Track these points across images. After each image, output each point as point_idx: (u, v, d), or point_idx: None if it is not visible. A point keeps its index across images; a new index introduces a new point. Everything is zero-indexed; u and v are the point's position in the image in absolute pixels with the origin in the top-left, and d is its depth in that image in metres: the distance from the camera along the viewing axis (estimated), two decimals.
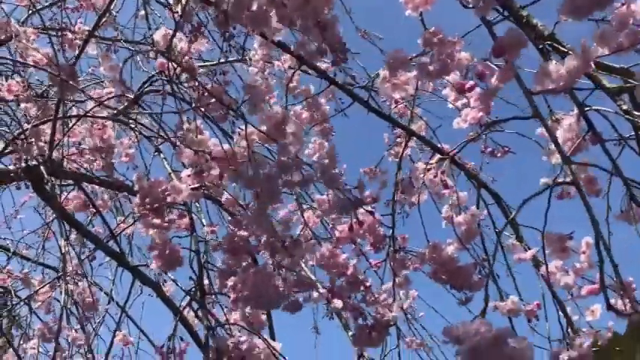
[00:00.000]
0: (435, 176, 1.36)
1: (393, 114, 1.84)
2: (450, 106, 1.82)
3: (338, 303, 1.36)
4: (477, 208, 1.57)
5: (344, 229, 1.55)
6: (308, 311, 2.38)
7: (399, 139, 1.86)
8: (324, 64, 1.65)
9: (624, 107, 1.10)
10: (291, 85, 1.89)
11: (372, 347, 1.57)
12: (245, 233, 1.14)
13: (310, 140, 2.07)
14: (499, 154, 1.73)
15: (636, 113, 1.08)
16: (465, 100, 1.78)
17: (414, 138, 1.73)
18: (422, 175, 1.79)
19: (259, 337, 1.53)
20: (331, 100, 1.96)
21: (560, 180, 1.35)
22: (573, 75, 0.87)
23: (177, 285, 1.58)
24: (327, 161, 1.10)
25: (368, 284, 1.49)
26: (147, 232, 1.28)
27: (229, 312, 1.68)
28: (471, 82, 1.18)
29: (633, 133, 1.15)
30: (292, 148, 1.06)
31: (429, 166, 1.37)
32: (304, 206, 1.88)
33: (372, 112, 1.57)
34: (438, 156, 1.43)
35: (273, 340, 2.07)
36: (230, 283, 1.04)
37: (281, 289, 1.08)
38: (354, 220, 1.29)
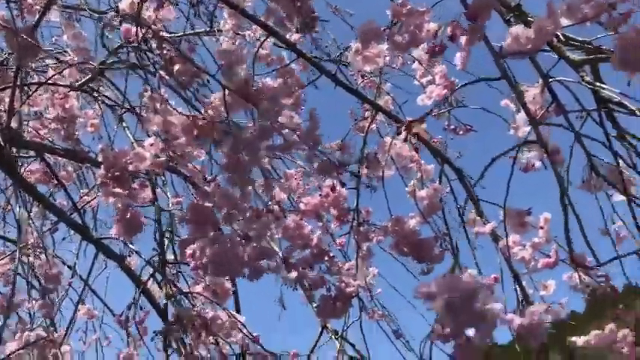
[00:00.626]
0: (404, 140, 1.36)
1: (361, 88, 1.84)
2: (416, 82, 1.85)
3: (292, 274, 1.37)
4: (440, 183, 1.60)
5: (309, 201, 1.56)
6: (274, 284, 2.40)
7: (367, 113, 1.87)
8: (293, 37, 1.64)
9: (587, 78, 1.13)
10: (262, 52, 1.88)
11: (335, 318, 1.60)
12: (209, 204, 1.13)
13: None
14: (461, 132, 1.76)
15: (598, 84, 1.11)
16: (430, 77, 1.81)
17: (381, 113, 1.74)
18: (389, 148, 1.81)
19: (222, 309, 1.54)
20: (304, 71, 1.95)
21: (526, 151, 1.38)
22: (541, 38, 0.88)
23: (139, 256, 1.56)
24: (309, 123, 1.10)
25: (332, 255, 1.51)
26: (107, 201, 1.27)
27: (194, 284, 1.68)
28: (441, 44, 1.19)
29: (596, 106, 1.18)
30: (271, 112, 1.05)
31: (400, 130, 1.38)
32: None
33: (340, 85, 1.57)
34: (408, 119, 1.43)
35: (238, 312, 2.09)
36: (189, 251, 1.04)
37: (242, 256, 1.08)
38: (333, 184, 1.30)
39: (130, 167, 1.29)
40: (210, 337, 1.52)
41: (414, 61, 1.98)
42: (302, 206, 1.53)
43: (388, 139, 1.91)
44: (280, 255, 1.41)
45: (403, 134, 1.32)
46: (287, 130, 1.09)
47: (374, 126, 1.86)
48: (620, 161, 1.37)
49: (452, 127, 1.78)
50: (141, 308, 1.29)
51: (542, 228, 1.56)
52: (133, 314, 1.31)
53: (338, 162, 1.18)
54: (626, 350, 1.63)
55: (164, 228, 1.39)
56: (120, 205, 1.13)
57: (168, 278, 1.28)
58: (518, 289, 1.58)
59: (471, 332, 0.73)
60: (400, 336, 1.80)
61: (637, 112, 1.06)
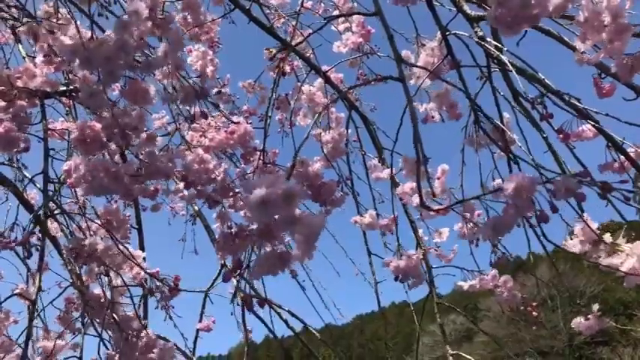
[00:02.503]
0: (275, 66, 1.37)
1: (278, 28, 1.82)
2: (333, 29, 1.85)
3: (191, 192, 1.36)
4: (347, 128, 1.62)
5: (214, 137, 1.54)
6: (181, 225, 2.39)
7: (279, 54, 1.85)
8: None
9: (480, 34, 1.16)
10: None
11: (235, 254, 1.61)
12: (98, 125, 1.09)
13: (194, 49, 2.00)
14: (373, 82, 1.78)
15: (489, 40, 1.14)
16: (347, 25, 1.81)
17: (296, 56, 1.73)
18: (301, 94, 1.81)
19: (116, 242, 1.51)
20: (219, 4, 1.89)
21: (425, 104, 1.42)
22: None
23: (22, 172, 1.48)
24: (171, 45, 1.03)
25: (237, 190, 1.51)
26: None
27: (94, 218, 1.64)
28: None
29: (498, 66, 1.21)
30: (135, 28, 0.98)
31: (269, 55, 1.38)
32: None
33: (253, 21, 1.54)
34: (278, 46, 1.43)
35: (142, 250, 2.06)
36: (65, 167, 1.00)
37: (121, 174, 1.05)
38: (200, 113, 1.28)
39: (19, 83, 1.22)
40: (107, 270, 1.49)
41: (335, 8, 1.98)
42: (206, 141, 1.51)
43: (306, 89, 1.92)
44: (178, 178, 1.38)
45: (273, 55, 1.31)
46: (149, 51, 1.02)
47: (288, 68, 1.85)
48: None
49: (364, 75, 1.80)
50: (23, 229, 1.23)
51: (438, 178, 1.63)
52: (23, 238, 1.25)
53: (200, 89, 1.14)
54: (506, 295, 1.76)
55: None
56: None
57: (50, 197, 1.23)
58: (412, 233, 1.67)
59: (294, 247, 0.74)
60: (296, 275, 1.86)
61: (514, 71, 1.10)
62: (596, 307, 1.29)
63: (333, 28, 1.83)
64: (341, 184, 1.59)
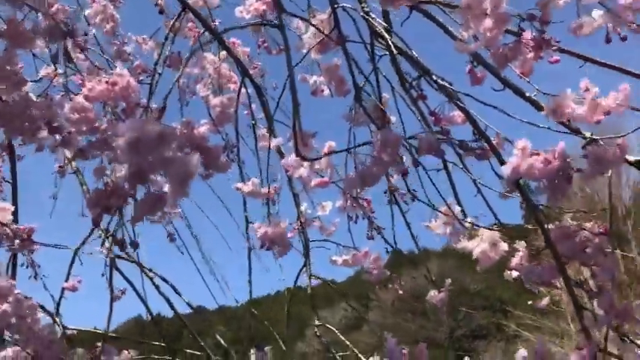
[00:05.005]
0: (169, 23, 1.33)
1: None
2: None
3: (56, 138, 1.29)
4: (238, 95, 1.61)
5: (93, 87, 1.46)
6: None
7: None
8: None
9: (366, 9, 1.19)
10: None
11: (107, 214, 1.54)
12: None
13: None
14: (274, 52, 1.78)
15: (373, 16, 1.18)
16: None
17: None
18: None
19: None
20: None
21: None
22: None
23: None
24: None
25: None
26: None
27: None
28: None
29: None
30: None
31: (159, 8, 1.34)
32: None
33: None
34: None
35: (15, 204, 1.92)
36: None
37: None
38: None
39: None
40: None
41: None
42: (85, 91, 1.42)
43: (210, 57, 1.87)
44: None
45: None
46: None
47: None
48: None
49: (265, 44, 1.78)
50: None
51: (325, 154, 1.66)
52: None
53: (68, 30, 1.08)
54: (375, 271, 1.84)
55: None
56: None
57: None
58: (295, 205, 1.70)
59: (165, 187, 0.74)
60: (174, 240, 1.82)
61: (395, 50, 1.14)
62: (449, 281, 1.40)
63: None
64: (227, 150, 1.57)
